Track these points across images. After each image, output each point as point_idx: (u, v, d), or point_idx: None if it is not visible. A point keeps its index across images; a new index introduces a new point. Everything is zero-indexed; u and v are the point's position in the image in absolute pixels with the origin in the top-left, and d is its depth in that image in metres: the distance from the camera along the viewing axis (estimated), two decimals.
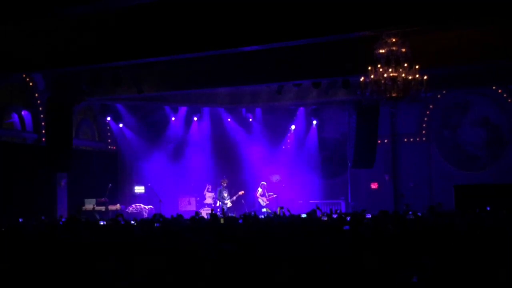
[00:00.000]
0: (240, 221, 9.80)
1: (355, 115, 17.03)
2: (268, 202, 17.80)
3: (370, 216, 9.98)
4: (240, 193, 17.63)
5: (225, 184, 17.55)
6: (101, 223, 9.52)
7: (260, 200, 17.93)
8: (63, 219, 11.47)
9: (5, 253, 6.26)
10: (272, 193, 18.18)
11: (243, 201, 17.65)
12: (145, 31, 11.16)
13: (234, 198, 17.50)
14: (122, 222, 9.51)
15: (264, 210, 17.17)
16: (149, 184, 18.20)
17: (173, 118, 19.75)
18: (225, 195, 17.41)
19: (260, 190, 18.02)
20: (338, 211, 14.80)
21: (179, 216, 10.64)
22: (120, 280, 5.17)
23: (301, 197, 18.16)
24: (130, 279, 5.18)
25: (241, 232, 7.61)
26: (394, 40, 11.08)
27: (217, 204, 17.65)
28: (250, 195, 18.38)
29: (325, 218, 10.31)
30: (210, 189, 18.70)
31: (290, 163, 19.49)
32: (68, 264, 5.64)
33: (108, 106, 18.16)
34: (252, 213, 11.45)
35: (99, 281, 5.26)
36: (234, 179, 18.71)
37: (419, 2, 9.57)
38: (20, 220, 11.21)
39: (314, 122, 19.89)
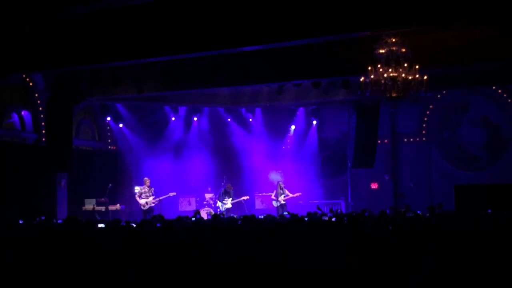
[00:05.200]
0: (239, 222, 9.79)
1: (355, 115, 17.02)
2: (284, 202, 17.23)
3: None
4: (245, 198, 17.49)
5: (230, 190, 17.47)
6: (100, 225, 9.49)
7: (273, 202, 17.48)
8: (59, 221, 11.44)
9: (5, 254, 6.26)
10: (296, 193, 17.44)
11: (243, 202, 17.58)
12: (145, 31, 11.16)
13: (240, 199, 17.36)
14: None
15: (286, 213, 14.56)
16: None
17: (173, 118, 19.75)
18: (227, 196, 17.33)
19: (275, 191, 17.54)
20: (339, 211, 14.78)
21: (182, 217, 10.65)
22: (120, 279, 5.17)
23: (301, 197, 18.12)
24: (129, 279, 5.18)
25: (240, 232, 7.60)
26: (394, 40, 11.07)
27: (217, 204, 17.61)
28: (250, 196, 18.30)
29: (326, 218, 10.32)
30: (210, 190, 18.69)
31: (290, 163, 19.47)
32: (68, 265, 5.64)
33: (108, 106, 18.14)
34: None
35: (99, 281, 5.26)
36: (233, 179, 18.69)
37: (420, 2, 9.57)
38: (20, 221, 11.17)
39: (314, 122, 19.89)
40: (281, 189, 17.40)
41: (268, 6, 10.24)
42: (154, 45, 11.33)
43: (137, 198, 16.39)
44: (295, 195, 17.40)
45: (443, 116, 19.31)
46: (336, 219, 9.39)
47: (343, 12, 9.85)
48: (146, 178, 16.57)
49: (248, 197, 17.63)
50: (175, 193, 16.74)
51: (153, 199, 16.29)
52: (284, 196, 17.29)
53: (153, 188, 16.50)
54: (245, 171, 19.82)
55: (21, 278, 5.56)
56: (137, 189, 16.96)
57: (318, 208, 11.97)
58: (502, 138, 18.56)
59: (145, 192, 16.29)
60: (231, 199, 17.26)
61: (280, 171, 18.69)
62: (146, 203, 16.21)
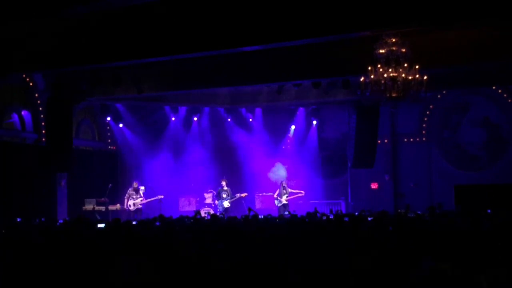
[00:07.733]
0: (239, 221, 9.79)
1: (355, 115, 17.01)
2: (286, 202, 17.23)
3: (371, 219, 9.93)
4: (243, 194, 17.47)
5: (225, 184, 17.48)
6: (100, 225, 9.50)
7: (276, 201, 17.48)
8: (60, 221, 11.45)
9: (5, 254, 6.26)
10: (298, 191, 17.48)
11: (243, 202, 17.57)
12: (145, 31, 11.16)
13: (238, 195, 17.33)
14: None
15: (286, 213, 14.64)
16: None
17: (173, 118, 19.76)
18: (224, 195, 17.31)
19: (278, 190, 17.56)
20: (339, 211, 14.75)
21: (184, 217, 10.66)
22: (120, 279, 5.16)
23: (301, 197, 18.13)
24: (129, 278, 5.18)
25: (240, 232, 7.60)
26: (394, 40, 11.07)
27: (216, 203, 17.63)
28: (250, 196, 18.32)
29: (325, 218, 10.33)
30: (210, 190, 18.69)
31: (290, 163, 19.47)
32: (68, 265, 5.63)
33: (108, 106, 18.15)
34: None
35: (100, 281, 5.26)
36: (233, 179, 18.68)
37: (420, 2, 9.57)
38: (18, 219, 11.18)
39: (314, 122, 19.89)
40: (284, 188, 17.39)
41: (268, 6, 10.24)
42: (154, 45, 11.33)
43: (125, 200, 16.95)
44: (297, 191, 17.40)
45: (443, 116, 19.32)
46: (336, 219, 9.38)
47: (343, 12, 9.85)
48: (135, 182, 17.14)
49: (246, 193, 17.62)
50: (162, 196, 17.11)
51: (141, 200, 16.86)
52: (287, 196, 17.28)
53: (141, 192, 17.05)
54: (245, 171, 19.81)
55: (21, 278, 5.56)
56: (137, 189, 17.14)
57: (316, 211, 11.96)
58: (502, 138, 18.56)
59: (132, 194, 16.89)
60: (229, 197, 17.26)
61: (286, 166, 18.64)
62: (134, 204, 16.83)
